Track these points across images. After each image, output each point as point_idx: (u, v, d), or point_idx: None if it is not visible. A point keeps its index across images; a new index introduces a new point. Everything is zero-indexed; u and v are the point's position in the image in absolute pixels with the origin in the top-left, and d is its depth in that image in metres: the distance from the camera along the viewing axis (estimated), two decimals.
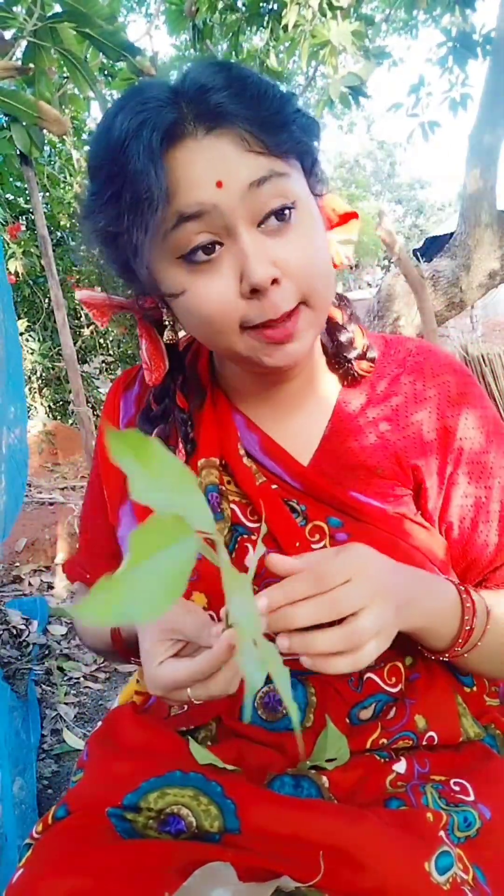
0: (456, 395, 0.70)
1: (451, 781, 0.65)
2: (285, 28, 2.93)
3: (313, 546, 0.68)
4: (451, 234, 3.61)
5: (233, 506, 0.71)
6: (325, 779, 0.62)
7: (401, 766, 0.65)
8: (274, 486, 0.70)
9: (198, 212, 0.57)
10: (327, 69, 3.34)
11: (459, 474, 0.70)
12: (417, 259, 3.57)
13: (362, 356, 0.72)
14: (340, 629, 0.51)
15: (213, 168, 0.56)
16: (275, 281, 0.58)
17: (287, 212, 0.59)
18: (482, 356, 3.91)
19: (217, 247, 0.59)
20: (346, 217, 0.71)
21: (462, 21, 3.40)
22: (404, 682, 0.70)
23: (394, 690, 0.69)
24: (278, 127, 0.58)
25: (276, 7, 3.05)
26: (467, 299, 3.52)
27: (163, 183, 0.55)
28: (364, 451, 0.70)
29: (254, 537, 0.70)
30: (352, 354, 0.72)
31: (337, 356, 0.73)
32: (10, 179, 3.28)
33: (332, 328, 0.74)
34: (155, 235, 0.58)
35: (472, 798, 0.63)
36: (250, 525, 0.70)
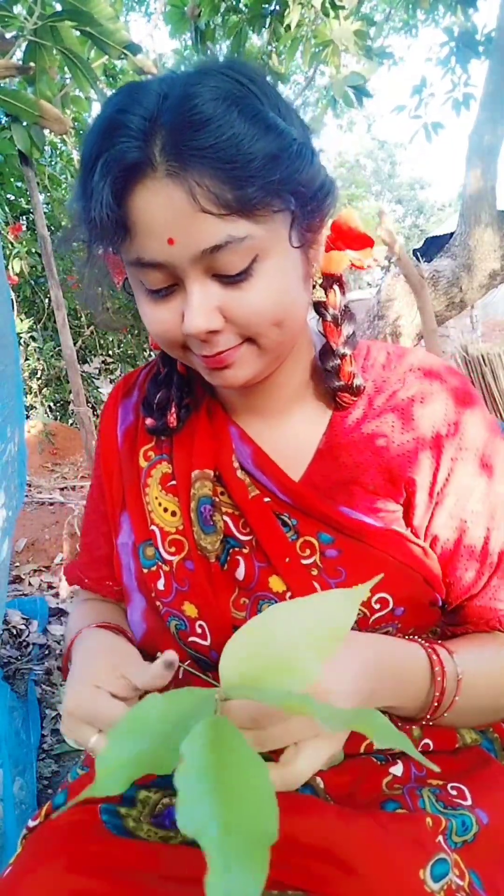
0: (453, 415, 0.68)
1: (449, 786, 0.64)
2: (287, 28, 2.93)
3: (303, 561, 0.67)
4: (451, 234, 3.61)
5: (225, 517, 0.70)
6: (319, 780, 0.62)
7: (397, 769, 0.65)
8: (266, 500, 0.69)
9: (152, 262, 0.56)
10: (327, 68, 3.34)
11: (448, 494, 0.67)
12: (417, 259, 3.57)
13: (346, 387, 0.69)
14: (275, 769, 0.48)
15: (165, 222, 0.53)
16: (214, 332, 0.58)
17: (244, 271, 0.56)
18: (482, 356, 3.91)
19: (174, 286, 0.58)
20: (362, 242, 0.67)
21: (464, 20, 3.40)
22: None
23: None
24: (246, 179, 0.51)
25: (277, 8, 3.05)
26: (467, 299, 3.52)
27: (121, 224, 0.54)
28: (357, 466, 0.68)
29: (245, 550, 0.69)
30: (334, 384, 0.69)
31: (322, 381, 0.71)
32: (12, 180, 3.28)
33: (323, 351, 0.70)
34: (118, 260, 0.59)
35: (469, 802, 0.63)
36: (242, 538, 0.69)
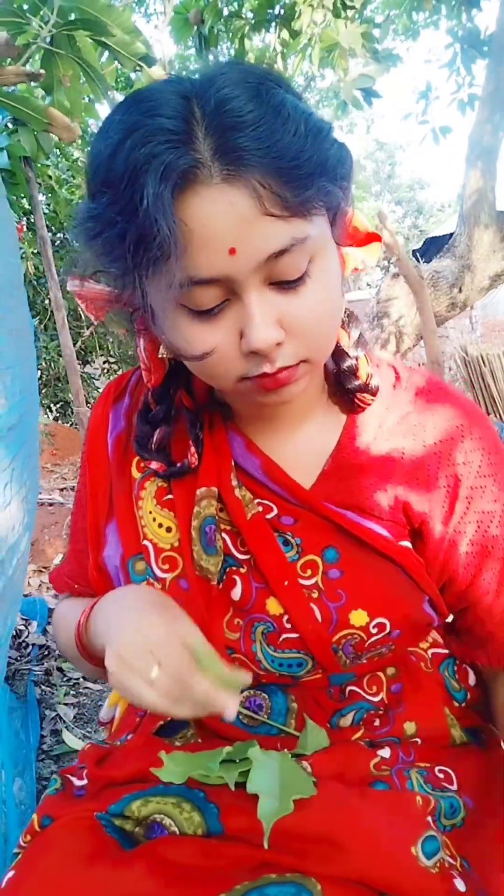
0: (468, 442, 0.66)
1: (436, 768, 0.65)
2: (295, 33, 2.94)
3: (303, 582, 0.65)
4: (451, 234, 3.61)
5: (224, 535, 0.67)
6: (306, 763, 0.62)
7: (385, 752, 0.66)
8: (269, 516, 0.67)
9: (209, 279, 0.51)
10: (326, 71, 3.34)
11: (467, 523, 0.66)
12: (417, 260, 3.57)
13: (364, 387, 0.67)
14: None
15: (227, 231, 0.49)
16: (279, 343, 0.54)
17: (303, 274, 0.53)
18: (481, 357, 3.91)
19: (225, 302, 0.53)
20: (369, 238, 0.66)
21: (468, 21, 3.41)
22: (386, 691, 0.70)
23: (375, 699, 0.69)
24: (306, 179, 0.49)
25: (282, 12, 3.05)
26: (467, 300, 3.52)
27: (175, 239, 0.48)
28: (363, 490, 0.66)
29: (242, 570, 0.67)
30: (352, 384, 0.67)
31: (338, 384, 0.69)
32: (26, 181, 3.28)
33: (336, 353, 0.67)
34: (159, 285, 0.52)
35: (455, 787, 0.64)
36: (240, 556, 0.67)
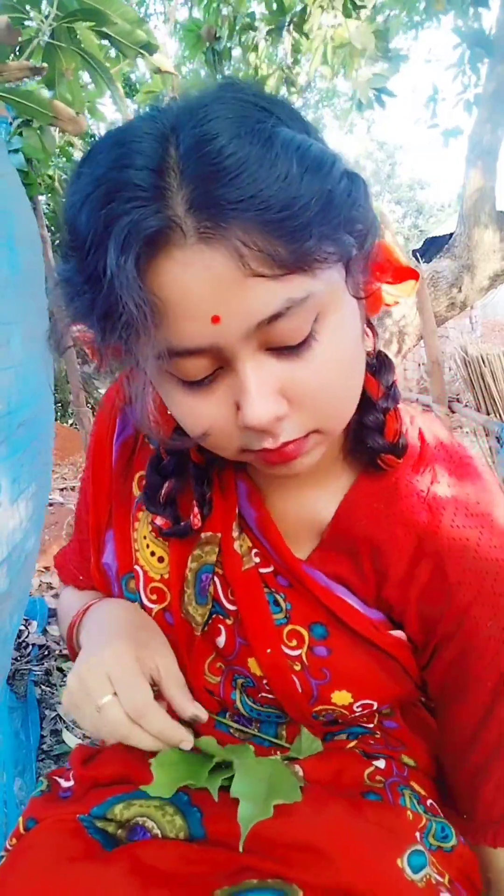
0: (483, 551, 0.57)
1: (428, 801, 0.64)
2: (307, 36, 2.94)
3: (288, 652, 0.60)
4: (451, 234, 3.61)
5: (216, 579, 0.64)
6: (298, 767, 0.61)
7: (380, 763, 0.65)
8: (264, 570, 0.62)
9: (191, 350, 0.44)
10: (326, 70, 3.34)
11: (455, 637, 0.58)
12: (417, 260, 3.57)
13: (391, 447, 0.58)
14: None
15: (206, 298, 0.42)
16: (279, 418, 0.46)
17: (307, 338, 0.45)
18: (481, 357, 3.91)
19: (217, 370, 0.46)
20: (403, 275, 0.55)
21: (475, 21, 3.41)
22: (377, 722, 0.69)
23: (369, 726, 0.69)
24: (302, 230, 0.40)
25: (294, 19, 3.04)
26: (467, 300, 3.52)
27: (145, 314, 0.41)
28: (360, 567, 0.60)
29: (229, 621, 0.64)
30: (377, 444, 0.58)
31: (357, 440, 0.60)
32: (39, 182, 3.27)
33: (361, 404, 0.55)
34: (144, 353, 0.45)
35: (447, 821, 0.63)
36: (228, 606, 0.63)
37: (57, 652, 2.22)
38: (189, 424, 0.50)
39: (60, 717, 1.85)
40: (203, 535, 0.63)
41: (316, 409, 0.48)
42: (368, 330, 0.56)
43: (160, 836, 0.55)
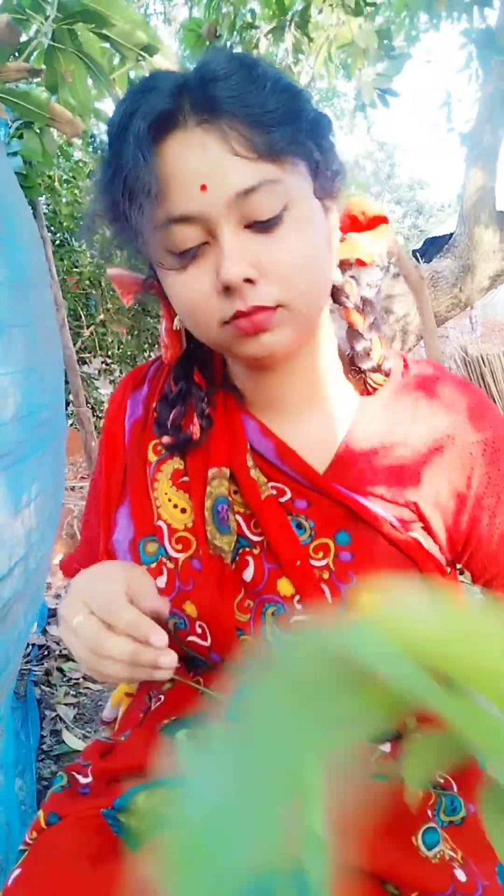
0: (478, 422, 0.68)
1: (437, 773, 0.65)
2: (308, 35, 2.93)
3: (315, 563, 0.66)
4: (451, 234, 3.61)
5: (237, 517, 0.69)
6: None
7: (386, 747, 0.66)
8: (282, 499, 0.68)
9: (184, 216, 0.56)
10: (325, 70, 3.34)
11: (487, 503, 0.68)
12: (417, 260, 3.58)
13: (377, 368, 0.70)
14: None
15: (198, 169, 0.55)
16: (250, 280, 0.57)
17: (277, 217, 0.57)
18: (481, 357, 3.91)
19: (204, 245, 0.58)
20: (375, 221, 0.69)
21: (481, 20, 3.40)
22: None
23: None
24: (272, 126, 0.55)
25: (296, 18, 3.04)
26: (467, 300, 3.53)
27: (153, 178, 0.55)
28: (379, 471, 0.68)
29: (255, 551, 0.68)
30: (366, 365, 0.70)
31: (352, 365, 0.71)
32: (39, 184, 3.26)
33: (351, 335, 0.71)
34: (148, 225, 0.58)
35: (455, 791, 0.64)
36: (253, 538, 0.69)
37: (57, 652, 2.22)
38: (180, 294, 0.61)
39: (60, 717, 1.86)
40: (209, 471, 0.69)
41: (281, 282, 0.58)
42: (353, 280, 0.70)
43: None
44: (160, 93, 0.55)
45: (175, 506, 0.71)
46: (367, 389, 0.71)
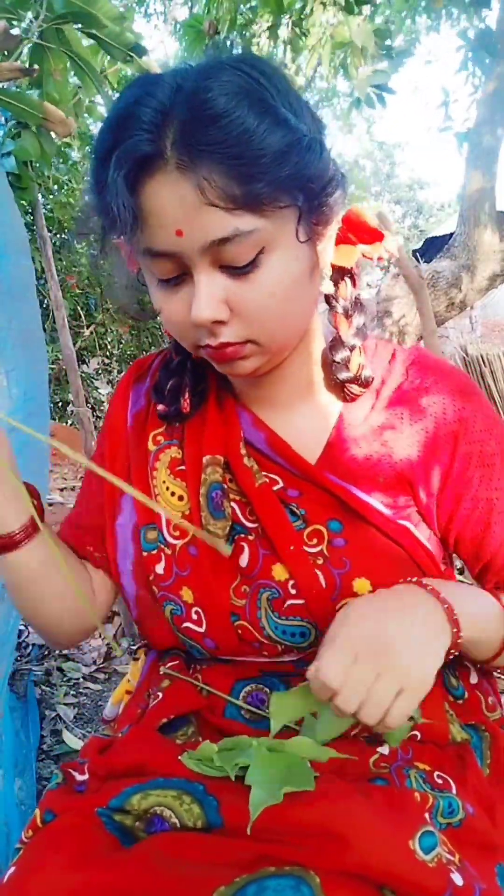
0: (461, 404, 0.70)
1: (435, 773, 0.65)
2: (306, 34, 2.93)
3: (308, 549, 0.68)
4: (451, 234, 3.61)
5: (233, 504, 0.71)
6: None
7: (384, 749, 0.66)
8: (275, 488, 0.70)
9: (162, 253, 0.58)
10: (326, 70, 3.33)
11: (468, 478, 0.69)
12: (417, 260, 3.57)
13: (355, 379, 0.71)
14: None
15: (174, 214, 0.55)
16: (219, 322, 0.59)
17: (251, 263, 0.57)
18: (481, 357, 3.91)
19: (184, 275, 0.59)
20: (372, 236, 0.69)
21: (478, 20, 3.40)
22: None
23: None
24: (256, 175, 0.52)
25: (293, 16, 3.04)
26: (467, 300, 3.52)
27: (132, 216, 0.55)
28: (367, 458, 0.70)
29: (250, 537, 0.70)
30: (342, 376, 0.70)
31: (332, 373, 0.72)
32: (33, 184, 3.26)
33: (332, 344, 0.72)
34: (134, 247, 0.60)
35: (454, 792, 0.64)
36: (248, 524, 0.71)
37: (57, 652, 2.22)
38: (162, 314, 0.63)
39: (60, 717, 1.86)
40: (204, 458, 0.71)
41: (252, 322, 0.60)
42: (349, 280, 0.71)
43: (178, 825, 0.56)
44: (143, 128, 0.53)
45: (172, 493, 0.73)
46: (345, 397, 0.72)
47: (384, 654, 0.55)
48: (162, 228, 0.56)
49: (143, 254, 0.59)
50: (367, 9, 2.97)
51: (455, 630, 0.60)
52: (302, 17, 2.94)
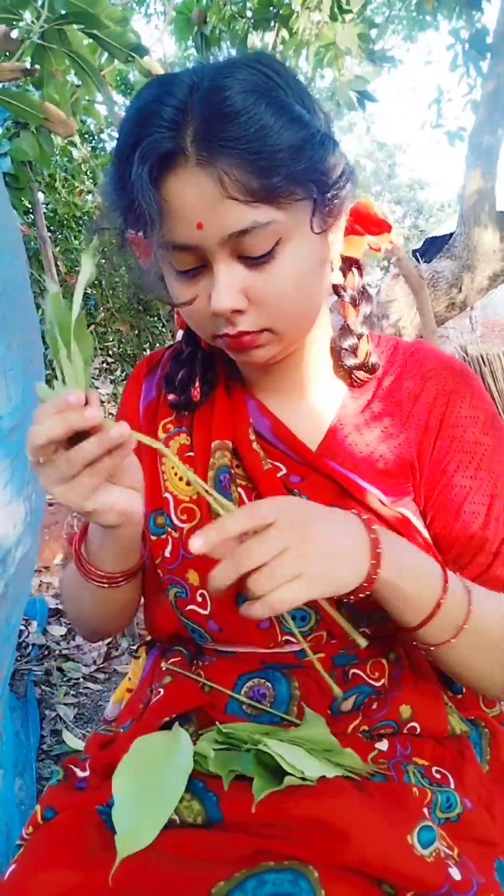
0: (451, 389, 0.72)
1: (433, 768, 0.66)
2: (294, 33, 2.94)
3: None
4: (451, 234, 3.61)
5: (240, 489, 0.72)
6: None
7: (383, 745, 0.67)
8: (279, 474, 0.71)
9: (183, 246, 0.60)
10: (326, 71, 3.34)
11: (446, 462, 0.71)
12: (417, 260, 3.57)
13: (362, 365, 0.73)
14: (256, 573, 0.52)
15: (195, 208, 0.57)
16: (238, 311, 0.61)
17: (268, 253, 0.59)
18: (481, 356, 3.91)
19: (202, 267, 0.62)
20: (380, 227, 0.72)
21: (468, 22, 3.40)
22: (388, 677, 0.71)
23: (377, 684, 0.70)
24: (273, 169, 0.55)
25: (281, 12, 3.05)
26: (467, 300, 3.52)
27: (154, 211, 0.57)
28: (368, 445, 0.72)
29: None
30: (350, 362, 0.73)
31: (340, 360, 0.75)
32: (30, 185, 3.26)
33: (341, 331, 0.75)
34: (152, 241, 0.62)
35: (452, 787, 0.64)
36: None
37: (57, 652, 2.23)
38: (176, 298, 0.65)
39: (60, 717, 1.86)
40: (213, 443, 0.73)
41: (269, 310, 0.62)
42: (356, 270, 0.74)
43: (178, 821, 0.56)
44: (164, 126, 0.55)
45: (181, 479, 0.75)
46: (352, 383, 0.75)
47: (299, 535, 0.54)
48: (184, 222, 0.58)
49: (163, 247, 0.61)
50: (349, 16, 2.97)
51: (374, 562, 0.58)
52: (290, 14, 2.94)
